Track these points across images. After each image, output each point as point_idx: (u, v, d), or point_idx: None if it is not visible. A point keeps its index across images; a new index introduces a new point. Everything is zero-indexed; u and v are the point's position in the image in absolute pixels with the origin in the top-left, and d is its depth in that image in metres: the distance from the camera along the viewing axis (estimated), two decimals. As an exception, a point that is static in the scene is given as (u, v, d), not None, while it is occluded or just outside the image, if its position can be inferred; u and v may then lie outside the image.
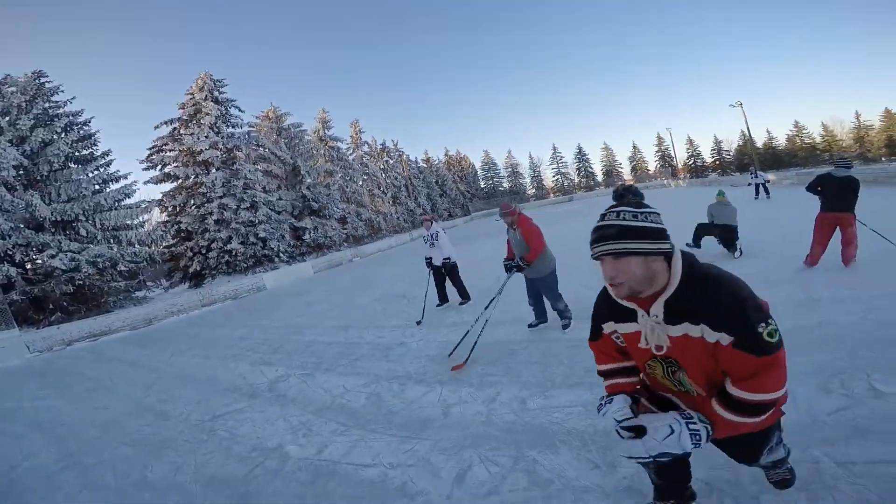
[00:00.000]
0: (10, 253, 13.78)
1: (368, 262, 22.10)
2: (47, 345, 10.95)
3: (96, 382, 6.88)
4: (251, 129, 25.28)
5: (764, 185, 17.40)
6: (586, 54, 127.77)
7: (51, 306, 14.28)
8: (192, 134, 21.48)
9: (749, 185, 18.70)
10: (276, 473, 3.04)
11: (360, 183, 33.97)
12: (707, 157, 58.37)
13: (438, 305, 7.24)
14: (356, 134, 36.90)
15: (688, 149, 58.93)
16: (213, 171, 21.50)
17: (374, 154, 38.76)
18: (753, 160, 34.20)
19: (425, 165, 49.18)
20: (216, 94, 23.00)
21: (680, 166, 57.07)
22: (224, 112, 23.02)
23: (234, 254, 20.99)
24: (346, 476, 2.87)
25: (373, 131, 62.60)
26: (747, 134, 35.26)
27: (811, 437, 2.24)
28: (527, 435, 2.81)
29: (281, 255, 22.95)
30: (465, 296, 7.11)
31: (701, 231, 7.30)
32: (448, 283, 7.27)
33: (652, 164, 61.47)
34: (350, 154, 35.04)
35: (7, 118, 15.24)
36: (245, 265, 21.28)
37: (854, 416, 2.34)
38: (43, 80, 17.11)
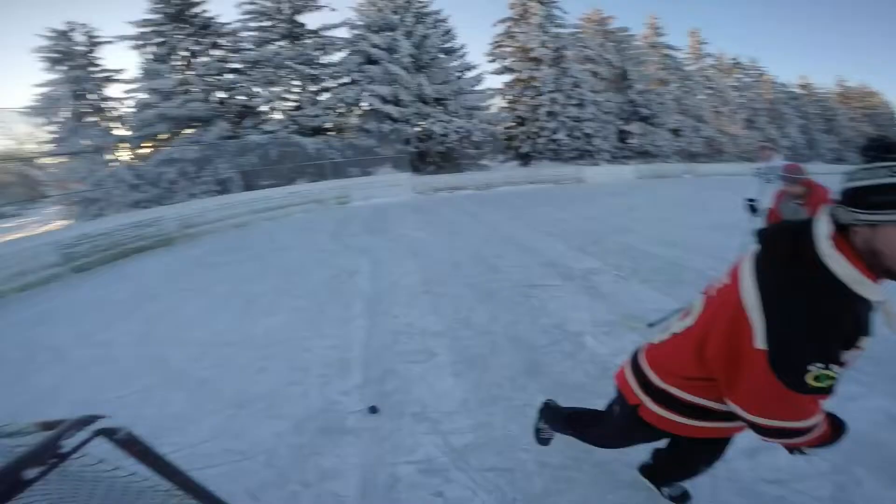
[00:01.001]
0: (408, 118, 18.36)
1: (703, 182, 19.46)
2: (423, 189, 15.05)
3: (453, 226, 8.57)
4: (577, 31, 24.69)
5: None
6: None
7: (428, 160, 18.88)
8: (523, 32, 22.59)
9: None
10: (569, 356, 3.14)
11: (701, 97, 29.09)
12: None
13: None
14: (696, 44, 30.90)
15: None
16: (545, 68, 22.36)
17: (722, 69, 31.95)
18: None
19: (801, 91, 37.43)
20: (537, -7, 23.14)
21: None
22: (548, 13, 23.01)
23: (559, 143, 22.04)
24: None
25: (719, 44, 50.26)
26: None
27: None
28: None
29: (603, 153, 23.04)
30: None
31: None
32: None
33: None
34: (689, 65, 29.84)
35: (398, 16, 19.26)
36: (568, 156, 22.25)
37: None
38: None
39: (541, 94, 22.27)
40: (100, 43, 16.29)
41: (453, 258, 5.95)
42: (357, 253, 6.57)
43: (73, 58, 15.56)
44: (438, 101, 19.69)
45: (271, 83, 18.02)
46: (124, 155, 16.14)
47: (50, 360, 3.92)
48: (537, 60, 22.60)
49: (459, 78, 20.55)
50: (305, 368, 3.25)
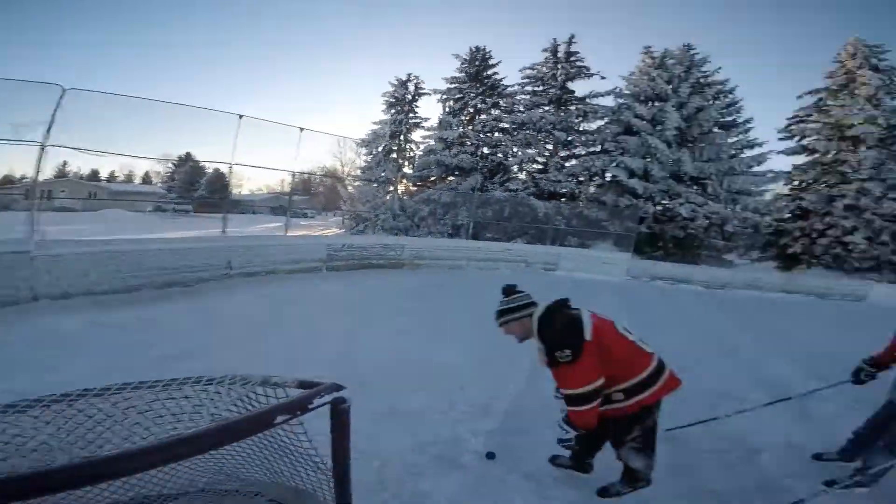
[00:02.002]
0: (653, 195, 17.53)
1: None
2: (638, 273, 13.86)
3: (654, 318, 7.84)
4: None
5: None
6: None
7: (659, 244, 17.52)
8: (841, 105, 18.33)
9: None
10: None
11: None
12: None
13: None
14: None
15: None
16: (864, 149, 17.75)
17: None
18: None
19: None
20: (873, 61, 18.27)
21: None
22: (887, 82, 18.04)
23: (849, 248, 17.38)
24: None
25: None
26: None
27: None
28: None
29: (912, 268, 17.06)
30: None
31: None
32: None
33: None
34: None
35: (671, 86, 18.26)
36: (856, 266, 17.31)
37: None
38: (692, 52, 19.30)
39: (846, 182, 18.02)
40: (422, 94, 20.43)
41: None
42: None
43: (402, 104, 20.09)
44: (697, 180, 18.25)
45: (528, 145, 19.77)
46: (400, 188, 20.16)
47: (278, 329, 5.42)
48: (855, 140, 18.34)
49: (733, 157, 18.63)
50: (452, 402, 3.61)
